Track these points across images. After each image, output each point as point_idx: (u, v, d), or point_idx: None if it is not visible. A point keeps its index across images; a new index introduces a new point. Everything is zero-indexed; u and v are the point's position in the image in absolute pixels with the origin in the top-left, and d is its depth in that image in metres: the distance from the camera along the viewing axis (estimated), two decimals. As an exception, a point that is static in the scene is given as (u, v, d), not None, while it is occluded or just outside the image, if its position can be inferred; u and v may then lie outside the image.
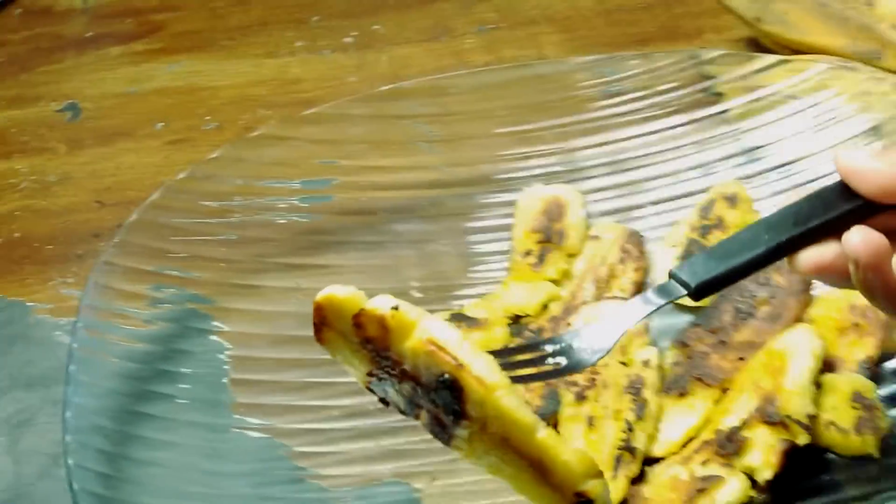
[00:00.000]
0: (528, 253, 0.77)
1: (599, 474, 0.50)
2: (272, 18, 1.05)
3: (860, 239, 0.51)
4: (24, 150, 0.91)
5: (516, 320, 0.74)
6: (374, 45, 1.01)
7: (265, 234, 0.78)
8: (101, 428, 0.65)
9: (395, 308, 0.51)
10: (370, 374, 0.54)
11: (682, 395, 0.67)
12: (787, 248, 0.54)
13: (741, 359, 0.68)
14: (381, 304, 0.51)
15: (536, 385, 0.70)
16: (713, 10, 0.96)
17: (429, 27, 1.03)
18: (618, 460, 0.64)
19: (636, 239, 0.78)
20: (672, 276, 0.56)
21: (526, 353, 0.57)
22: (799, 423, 0.62)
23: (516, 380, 0.52)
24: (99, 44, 1.04)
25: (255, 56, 1.01)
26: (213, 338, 0.73)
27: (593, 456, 0.60)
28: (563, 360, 0.56)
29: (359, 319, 0.52)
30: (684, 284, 0.55)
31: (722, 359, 0.68)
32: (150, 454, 0.65)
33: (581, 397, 0.68)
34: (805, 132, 0.80)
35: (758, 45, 0.93)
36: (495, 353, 0.52)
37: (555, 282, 0.76)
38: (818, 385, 0.64)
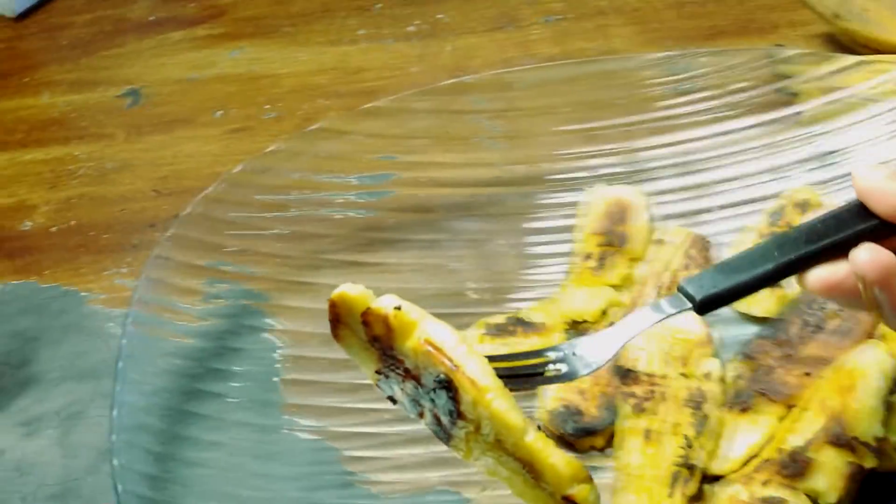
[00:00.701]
0: (589, 256, 0.75)
1: (587, 479, 0.51)
2: (335, 5, 1.04)
3: (868, 256, 0.50)
4: (83, 136, 0.91)
5: (574, 325, 0.72)
6: (437, 34, 0.99)
7: (321, 229, 0.77)
8: (148, 427, 0.64)
9: (398, 308, 0.52)
10: (378, 372, 0.56)
11: (745, 410, 0.65)
12: (797, 266, 0.53)
13: (808, 374, 0.65)
14: (385, 304, 0.52)
15: (592, 395, 0.68)
16: (790, 3, 0.93)
17: (494, 17, 1.01)
18: (675, 477, 0.62)
19: (702, 244, 0.75)
20: (680, 288, 0.55)
21: (527, 359, 0.57)
22: (867, 445, 0.59)
23: (511, 386, 0.52)
24: (161, 28, 1.03)
25: (318, 44, 1.00)
26: (266, 335, 0.72)
27: (650, 472, 0.59)
28: (563, 368, 0.56)
29: (366, 318, 0.53)
30: (690, 298, 0.54)
31: (788, 374, 0.66)
32: (199, 455, 0.65)
33: (639, 409, 0.66)
34: (882, 138, 0.77)
35: (835, 41, 0.90)
36: (496, 358, 0.53)
37: (616, 287, 0.74)
38: (888, 406, 0.61)
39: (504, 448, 0.51)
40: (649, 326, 0.55)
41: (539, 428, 0.59)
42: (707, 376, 0.67)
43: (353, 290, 0.54)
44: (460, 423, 0.51)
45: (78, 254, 0.81)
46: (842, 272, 0.52)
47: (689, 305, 0.54)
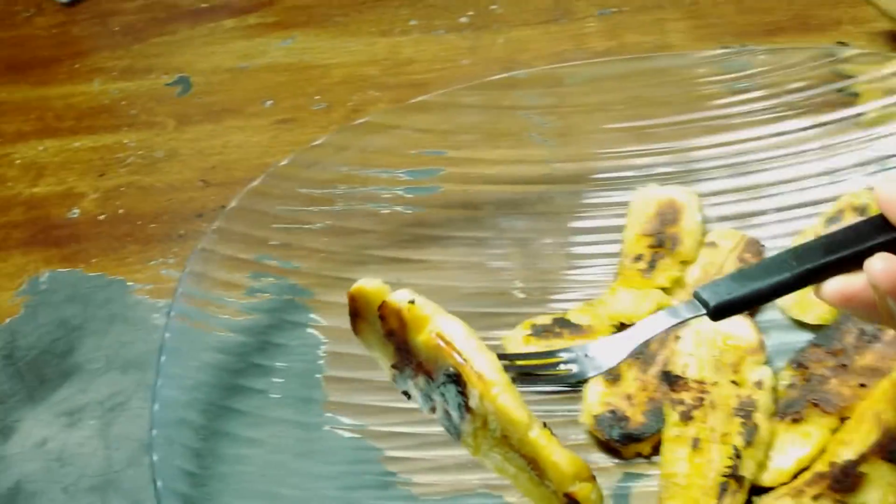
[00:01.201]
0: (638, 258, 0.73)
1: (590, 478, 0.51)
2: (387, -6, 1.03)
3: (882, 266, 0.50)
4: (133, 124, 0.91)
5: (622, 328, 0.71)
6: (489, 25, 0.98)
7: (366, 225, 0.76)
8: (189, 422, 0.64)
9: (412, 302, 0.53)
10: (394, 367, 0.56)
11: (797, 421, 0.64)
12: (814, 276, 0.53)
13: (863, 385, 0.63)
14: (399, 298, 0.53)
15: (639, 400, 0.66)
16: (852, -1, 0.91)
17: (548, 8, 0.99)
18: (723, 488, 0.60)
19: (755, 248, 0.73)
20: (695, 294, 0.55)
21: (540, 359, 0.59)
22: (922, 461, 0.58)
23: (522, 384, 0.53)
24: (213, 15, 1.03)
25: (369, 34, 0.99)
26: (309, 331, 0.71)
27: (697, 482, 0.58)
28: (574, 368, 0.58)
29: (382, 311, 0.54)
30: (704, 304, 0.54)
31: (842, 384, 0.64)
32: (238, 451, 0.64)
33: (687, 417, 0.64)
34: (945, 142, 0.74)
35: (899, 40, 0.87)
36: (509, 356, 0.57)
37: (665, 290, 0.72)
38: (947, 422, 0.60)
39: (510, 444, 0.51)
40: (663, 330, 0.56)
41: (588, 429, 0.61)
42: (758, 384, 0.65)
43: (370, 283, 0.55)
44: (468, 417, 0.52)
45: (125, 243, 0.81)
46: (858, 283, 0.52)
47: (704, 311, 0.54)
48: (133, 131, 0.90)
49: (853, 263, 0.52)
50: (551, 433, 0.51)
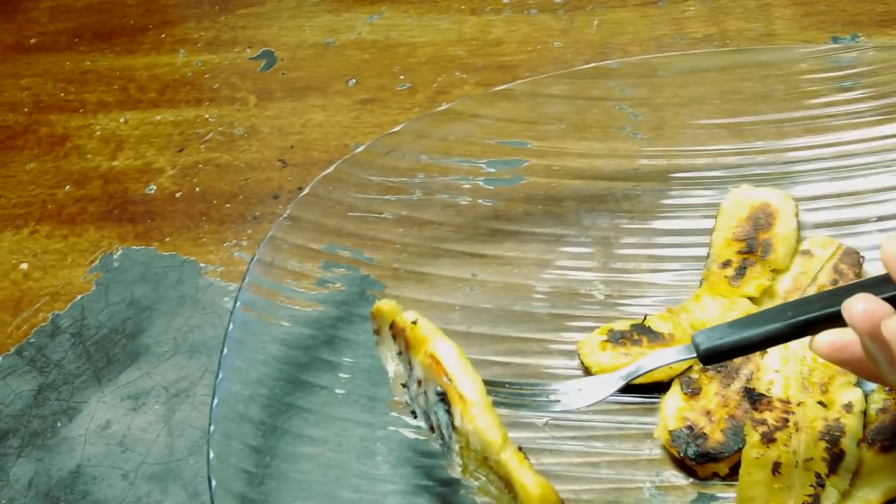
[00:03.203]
0: (726, 264, 0.69)
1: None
2: (482, -30, 1.00)
3: (862, 307, 0.50)
4: (215, 99, 0.89)
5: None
6: (585, 6, 0.94)
7: (443, 217, 0.73)
8: (249, 419, 0.62)
9: (414, 322, 0.57)
10: (403, 385, 0.60)
11: (887, 449, 0.60)
12: (809, 328, 0.54)
13: (962, 415, 0.59)
14: (405, 318, 0.57)
15: (719, 417, 0.63)
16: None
17: (647, -11, 0.95)
18: (803, 519, 0.57)
19: (854, 259, 0.69)
20: (693, 336, 0.57)
21: (532, 388, 0.62)
22: None
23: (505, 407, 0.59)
24: (302, -14, 1.01)
25: (459, 11, 0.95)
26: (379, 325, 0.69)
27: None
28: (560, 399, 0.61)
29: (393, 330, 0.58)
30: (697, 348, 0.57)
31: (939, 412, 0.60)
32: (299, 450, 0.63)
33: (769, 439, 0.61)
34: None
35: None
36: (496, 384, 0.61)
37: (753, 300, 0.68)
38: None
39: (489, 465, 0.54)
40: (652, 368, 0.60)
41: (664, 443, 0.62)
42: (847, 407, 0.62)
43: (386, 304, 0.60)
44: (455, 437, 0.55)
45: (199, 223, 0.80)
46: (850, 335, 0.52)
47: (693, 355, 0.57)
48: (214, 106, 0.89)
49: None
50: (524, 457, 0.53)
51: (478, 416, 0.52)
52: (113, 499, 0.66)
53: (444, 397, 0.54)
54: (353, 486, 0.62)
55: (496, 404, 0.54)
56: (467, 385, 0.53)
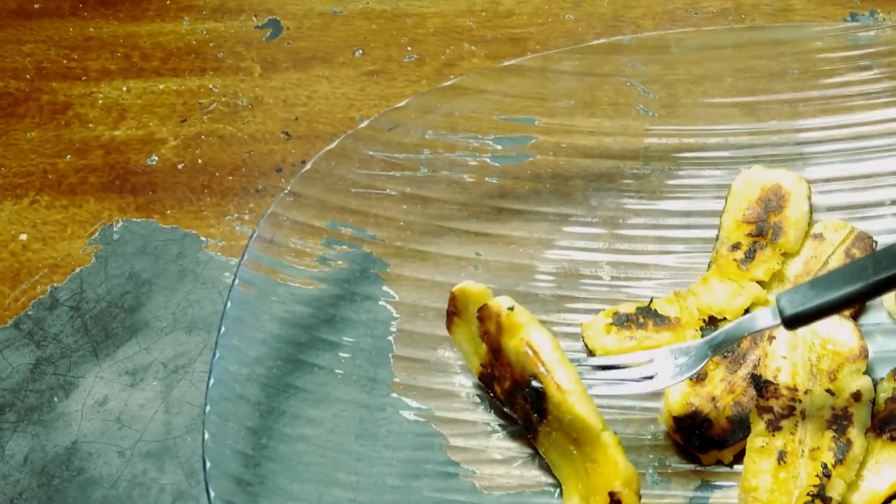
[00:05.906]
0: (736, 246, 0.68)
1: (637, 492, 0.58)
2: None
3: None
4: (219, 68, 0.88)
5: (712, 322, 0.66)
6: (597, -22, 0.92)
7: (448, 194, 0.72)
8: (246, 399, 0.61)
9: (511, 308, 0.60)
10: (483, 366, 0.63)
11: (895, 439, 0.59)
12: (891, 284, 0.53)
13: (973, 405, 0.58)
14: (500, 303, 0.61)
15: (724, 403, 0.62)
16: None
17: (662, -38, 0.93)
18: (808, 510, 0.56)
19: (866, 243, 0.68)
20: (776, 299, 0.56)
21: (617, 367, 0.63)
22: None
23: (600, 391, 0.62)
24: (310, -48, 0.99)
25: (469, -19, 0.93)
26: (382, 304, 0.68)
27: (780, 499, 0.58)
28: (651, 374, 0.61)
29: (481, 313, 0.61)
30: (781, 313, 0.56)
31: (950, 402, 0.59)
32: (297, 431, 0.62)
33: (775, 427, 0.60)
34: None
35: None
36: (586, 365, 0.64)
37: (762, 284, 0.67)
38: None
39: (578, 445, 0.58)
40: (739, 337, 0.59)
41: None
42: (856, 396, 0.60)
43: (474, 286, 0.63)
44: (544, 420, 0.59)
45: (200, 195, 0.79)
46: None
47: (778, 321, 0.56)
48: (218, 76, 0.87)
49: None
50: (619, 441, 0.59)
51: (576, 403, 0.58)
52: (108, 476, 0.65)
53: (538, 386, 0.58)
54: (350, 468, 0.61)
55: (590, 388, 0.59)
56: (563, 376, 0.58)
